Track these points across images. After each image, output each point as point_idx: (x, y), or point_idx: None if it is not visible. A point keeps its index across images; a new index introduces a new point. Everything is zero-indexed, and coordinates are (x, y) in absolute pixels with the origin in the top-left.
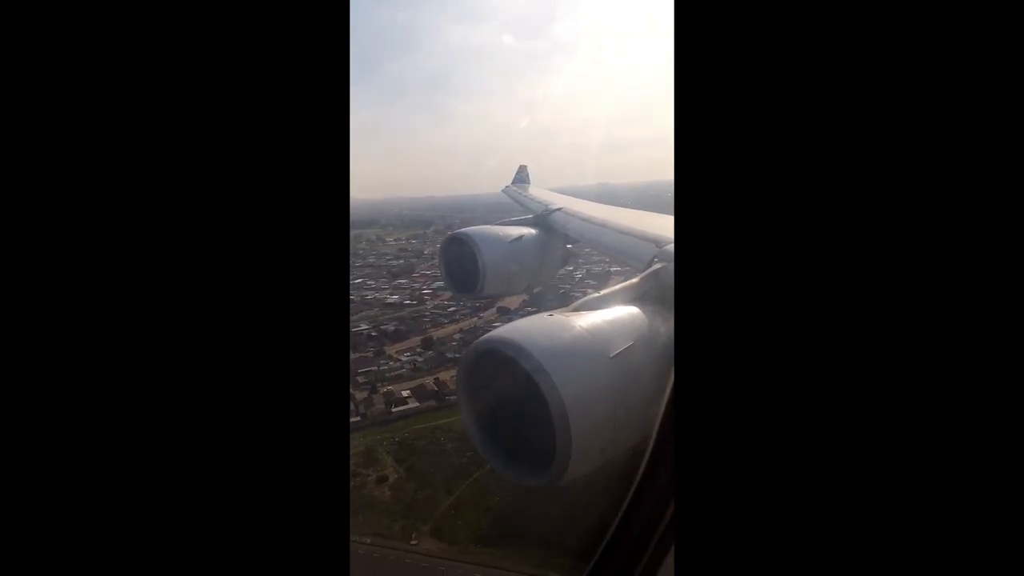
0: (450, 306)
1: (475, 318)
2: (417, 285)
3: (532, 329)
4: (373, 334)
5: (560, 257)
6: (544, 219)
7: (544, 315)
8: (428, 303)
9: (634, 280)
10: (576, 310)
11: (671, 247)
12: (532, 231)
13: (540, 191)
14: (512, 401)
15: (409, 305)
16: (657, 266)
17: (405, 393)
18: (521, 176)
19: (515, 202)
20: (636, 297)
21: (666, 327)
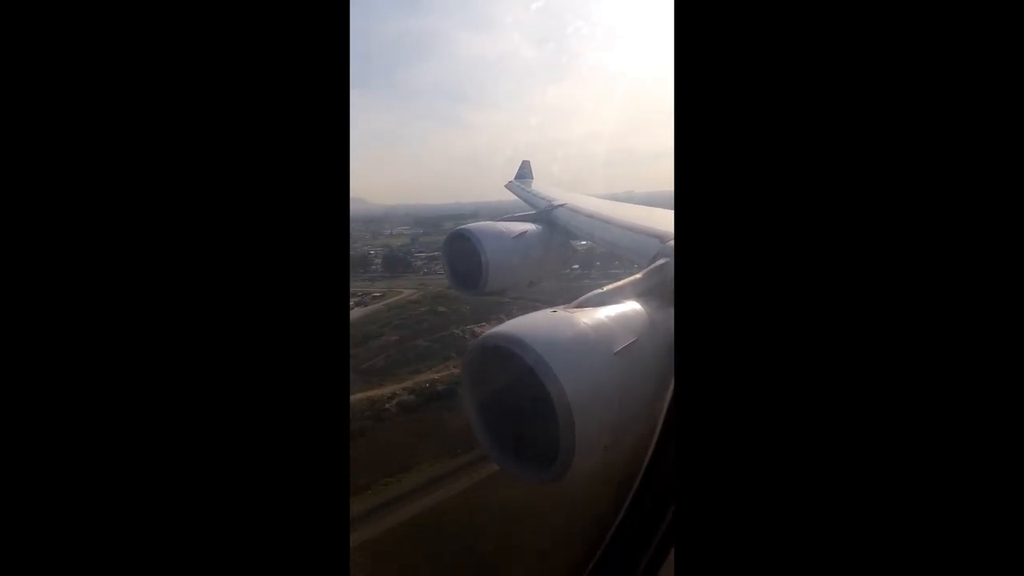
0: None
1: None
2: None
3: (536, 325)
4: None
5: (564, 253)
6: (547, 215)
7: (548, 311)
8: None
9: (638, 276)
10: (580, 306)
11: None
12: (535, 227)
13: (543, 187)
14: (516, 397)
15: None
16: (661, 261)
17: None
18: (524, 172)
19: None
20: (640, 293)
21: (670, 323)
